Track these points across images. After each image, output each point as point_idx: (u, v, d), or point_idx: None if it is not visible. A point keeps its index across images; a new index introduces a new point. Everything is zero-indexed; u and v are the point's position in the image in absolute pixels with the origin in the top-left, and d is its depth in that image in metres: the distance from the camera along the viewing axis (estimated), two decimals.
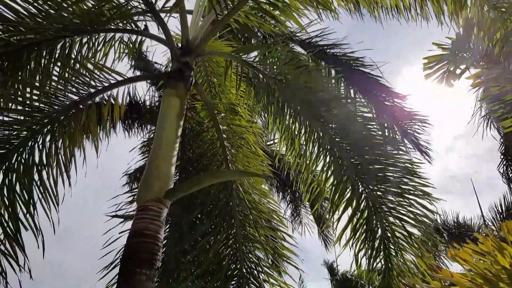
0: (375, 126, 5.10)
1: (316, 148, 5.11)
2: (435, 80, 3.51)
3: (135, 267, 3.01)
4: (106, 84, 4.25)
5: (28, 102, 4.13)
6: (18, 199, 3.80)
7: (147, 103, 10.31)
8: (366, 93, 6.74)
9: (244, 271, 4.83)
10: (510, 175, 9.64)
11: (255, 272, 4.84)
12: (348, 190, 5.24)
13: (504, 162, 9.61)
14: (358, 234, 5.17)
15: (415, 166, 4.83)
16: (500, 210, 11.34)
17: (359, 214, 5.16)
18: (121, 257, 3.24)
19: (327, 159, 5.19)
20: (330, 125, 4.95)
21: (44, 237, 3.79)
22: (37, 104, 4.09)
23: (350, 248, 5.16)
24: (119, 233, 4.64)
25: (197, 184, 3.59)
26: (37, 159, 3.99)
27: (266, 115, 5.22)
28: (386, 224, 4.99)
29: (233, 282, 4.77)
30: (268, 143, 6.87)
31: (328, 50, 6.73)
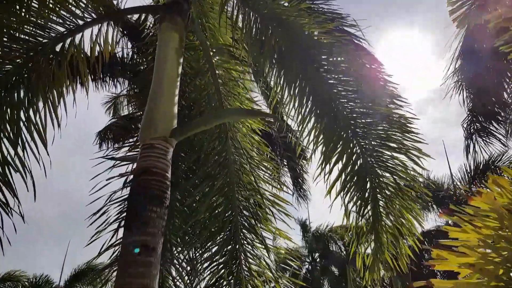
0: (369, 79, 5.08)
1: (311, 99, 5.05)
2: (456, 18, 3.47)
3: (145, 204, 2.89)
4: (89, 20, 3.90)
5: None
6: (5, 139, 3.51)
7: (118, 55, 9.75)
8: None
9: (239, 218, 4.83)
10: (471, 131, 10.06)
11: (251, 219, 4.86)
12: (340, 142, 5.31)
13: (470, 118, 10.01)
14: (348, 185, 5.30)
15: (407, 122, 4.91)
16: (469, 170, 12.05)
17: (350, 166, 5.27)
18: (128, 196, 3.09)
19: (322, 111, 5.18)
20: (329, 75, 4.88)
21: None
22: None
23: (342, 199, 5.29)
24: (106, 179, 4.47)
25: (204, 123, 3.43)
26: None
27: (262, 61, 5.04)
28: (376, 176, 5.12)
29: (228, 228, 4.78)
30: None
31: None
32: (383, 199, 5.16)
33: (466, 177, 12.66)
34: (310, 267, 16.27)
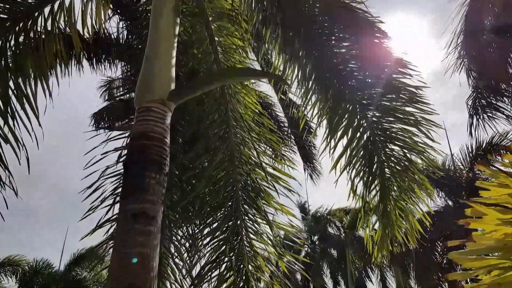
0: (377, 49, 4.84)
1: (316, 70, 4.81)
2: None
3: (143, 170, 2.67)
4: None
5: None
6: None
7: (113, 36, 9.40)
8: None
9: (241, 193, 4.64)
10: (476, 108, 9.87)
11: (253, 195, 4.67)
12: (346, 115, 5.09)
13: (474, 94, 9.81)
14: (355, 160, 5.10)
15: (418, 92, 4.68)
16: (470, 150, 11.89)
17: (356, 140, 5.06)
18: (124, 162, 2.87)
19: (328, 82, 4.95)
20: (335, 43, 4.63)
21: None
22: None
23: (349, 174, 5.09)
24: (101, 154, 4.24)
25: (204, 84, 3.18)
26: None
27: (264, 31, 4.78)
28: (384, 149, 4.92)
29: (229, 204, 4.59)
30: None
31: None
32: (392, 173, 4.98)
33: (468, 157, 12.51)
34: (309, 249, 16.25)
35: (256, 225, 4.46)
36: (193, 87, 3.16)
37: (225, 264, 4.17)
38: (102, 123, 12.90)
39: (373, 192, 5.07)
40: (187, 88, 3.15)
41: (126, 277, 2.31)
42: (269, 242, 4.42)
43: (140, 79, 3.06)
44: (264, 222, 4.43)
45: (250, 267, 4.10)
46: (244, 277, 4.06)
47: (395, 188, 4.99)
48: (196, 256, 4.32)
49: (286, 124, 8.30)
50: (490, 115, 9.66)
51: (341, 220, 18.09)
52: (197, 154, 4.74)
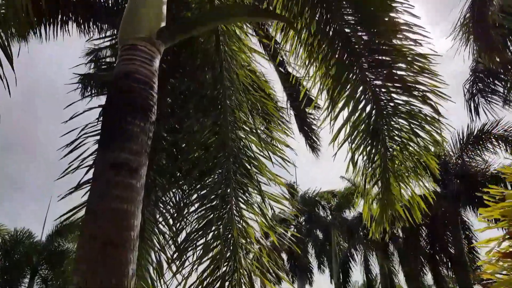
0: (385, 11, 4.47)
1: (320, 31, 4.44)
2: None
3: (126, 116, 2.30)
4: None
5: None
6: None
7: None
8: None
9: (232, 160, 4.30)
10: (474, 92, 9.69)
11: (246, 163, 4.34)
12: (350, 83, 4.76)
13: (472, 78, 9.61)
14: (357, 131, 4.80)
15: (427, 61, 4.36)
16: (461, 137, 11.78)
17: (359, 111, 4.76)
18: (104, 105, 2.49)
19: (332, 46, 4.60)
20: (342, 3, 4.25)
21: None
22: None
23: (350, 145, 4.80)
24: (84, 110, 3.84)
25: (200, 23, 2.78)
26: None
27: None
28: (388, 120, 4.63)
29: (219, 171, 4.26)
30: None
31: None
32: (395, 147, 4.70)
33: (458, 144, 12.39)
34: (295, 230, 16.18)
35: (247, 195, 4.16)
36: (185, 26, 2.76)
37: (212, 233, 3.87)
38: (90, 90, 12.33)
39: (373, 166, 4.81)
40: (178, 27, 2.75)
41: (102, 234, 1.97)
42: (260, 213, 4.13)
43: (125, 14, 2.65)
44: (256, 191, 4.13)
45: (238, 237, 3.81)
46: (231, 247, 3.78)
47: (397, 162, 4.74)
48: (182, 223, 4.01)
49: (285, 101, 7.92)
50: (488, 99, 9.49)
51: (328, 202, 18.06)
52: (187, 116, 4.37)
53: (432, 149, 4.54)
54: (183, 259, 3.69)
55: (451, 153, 12.71)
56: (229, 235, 3.82)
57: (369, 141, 4.73)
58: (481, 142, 11.87)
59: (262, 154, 4.38)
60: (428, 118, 4.37)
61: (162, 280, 3.80)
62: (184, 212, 4.04)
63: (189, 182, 4.18)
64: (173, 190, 4.22)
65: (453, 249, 12.20)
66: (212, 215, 3.93)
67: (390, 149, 4.72)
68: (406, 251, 14.95)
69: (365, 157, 4.74)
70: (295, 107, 7.14)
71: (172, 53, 4.36)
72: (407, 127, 4.50)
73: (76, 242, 12.52)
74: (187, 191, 4.19)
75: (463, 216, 13.10)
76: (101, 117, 2.30)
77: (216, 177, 4.22)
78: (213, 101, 4.39)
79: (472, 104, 9.44)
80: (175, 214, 4.09)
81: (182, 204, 4.12)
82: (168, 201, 4.21)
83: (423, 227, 13.47)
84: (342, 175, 17.93)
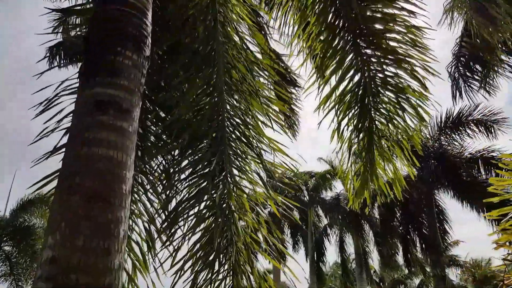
0: None
1: None
2: None
3: (113, 45, 1.82)
4: None
5: None
6: None
7: None
8: None
9: (227, 123, 3.87)
10: (456, 76, 9.61)
11: (242, 127, 3.92)
12: (341, 50, 4.46)
13: (455, 63, 9.49)
14: (344, 100, 4.55)
15: (420, 34, 4.11)
16: (440, 120, 11.83)
17: (347, 80, 4.49)
18: (86, 32, 1.99)
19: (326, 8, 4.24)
20: None
21: None
22: None
23: (336, 116, 4.58)
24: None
25: None
26: None
27: None
28: (376, 93, 4.38)
29: (214, 134, 3.82)
30: None
31: None
32: (381, 120, 4.49)
33: (436, 127, 12.41)
34: (272, 210, 16.05)
35: (245, 161, 3.75)
36: None
37: (205, 202, 3.47)
38: (58, 60, 11.47)
39: (358, 138, 4.61)
40: None
41: (85, 187, 1.53)
42: (259, 182, 3.75)
43: None
44: (255, 158, 3.73)
45: (234, 207, 3.43)
46: (227, 218, 3.40)
47: (382, 136, 4.54)
48: (172, 191, 3.57)
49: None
50: (469, 84, 9.43)
51: (306, 182, 18.01)
52: (176, 73, 3.88)
53: (417, 125, 4.38)
54: (173, 230, 3.29)
55: (428, 136, 12.76)
56: (224, 205, 3.42)
57: (356, 112, 4.51)
58: (459, 127, 11.96)
59: (261, 119, 3.98)
60: (416, 93, 4.18)
61: (152, 252, 3.39)
62: (174, 180, 3.59)
63: (178, 147, 3.73)
64: (161, 155, 3.76)
65: (426, 231, 12.38)
66: (205, 183, 3.51)
67: (376, 121, 4.51)
68: (381, 232, 15.17)
69: (350, 128, 4.52)
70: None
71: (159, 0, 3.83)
72: (394, 100, 4.31)
73: (44, 220, 11.80)
74: (177, 157, 3.75)
75: (437, 198, 13.29)
76: (84, 52, 1.81)
77: (210, 141, 3.78)
78: (206, 58, 3.91)
79: (454, 88, 9.36)
80: (164, 182, 3.65)
81: (171, 171, 3.67)
82: (155, 168, 3.76)
83: (398, 209, 13.63)
84: (320, 157, 17.96)
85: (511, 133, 11.08)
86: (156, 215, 3.55)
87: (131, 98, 1.81)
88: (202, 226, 3.40)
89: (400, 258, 15.21)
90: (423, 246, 12.56)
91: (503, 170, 3.39)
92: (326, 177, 17.54)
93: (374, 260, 18.61)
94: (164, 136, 4.01)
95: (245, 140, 3.87)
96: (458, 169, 11.91)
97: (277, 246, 3.41)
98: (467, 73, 9.75)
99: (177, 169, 3.69)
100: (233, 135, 3.88)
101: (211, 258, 3.15)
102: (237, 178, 3.71)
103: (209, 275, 3.14)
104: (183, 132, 3.73)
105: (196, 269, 3.12)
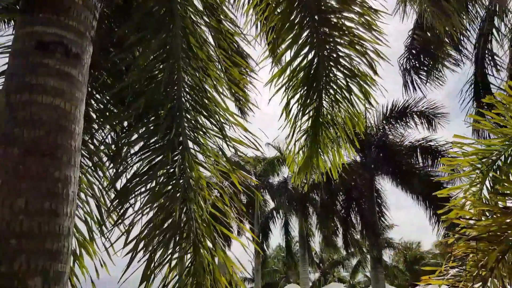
0: None
1: None
2: None
3: None
4: None
5: None
6: None
7: None
8: None
9: (185, 94, 3.61)
10: (408, 67, 10.03)
11: (201, 97, 3.68)
12: (297, 25, 4.39)
13: (406, 54, 9.88)
14: (295, 78, 4.53)
15: (374, 17, 4.16)
16: (385, 110, 12.36)
17: (302, 56, 4.45)
18: None
19: None
20: None
21: None
22: None
23: (287, 94, 4.55)
24: None
25: None
26: None
27: None
28: (327, 73, 4.40)
29: (171, 104, 3.53)
30: None
31: None
32: (330, 101, 4.55)
33: (382, 116, 12.92)
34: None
35: (204, 134, 3.52)
36: None
37: (161, 177, 3.20)
38: None
39: (307, 116, 4.64)
40: None
41: (24, 138, 1.24)
42: (219, 155, 3.55)
43: None
44: (214, 131, 3.51)
45: (195, 182, 3.21)
46: (186, 192, 3.17)
47: (329, 116, 4.62)
48: (122, 166, 3.25)
49: None
50: (419, 76, 9.87)
51: (254, 167, 18.08)
52: (127, 36, 3.52)
53: (363, 109, 4.51)
54: (125, 207, 3.00)
55: (373, 124, 13.28)
56: (181, 180, 3.19)
57: (305, 92, 4.50)
58: (404, 117, 12.58)
59: (221, 92, 3.75)
60: (368, 78, 4.28)
61: (102, 231, 3.07)
62: (125, 154, 3.27)
63: (129, 117, 3.39)
64: (113, 122, 3.41)
65: (366, 215, 12.99)
66: (161, 157, 3.23)
67: (325, 101, 4.58)
68: (324, 215, 15.72)
69: (299, 106, 4.55)
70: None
71: None
72: (344, 82, 4.36)
73: None
74: (128, 128, 3.41)
75: (377, 184, 13.95)
76: None
77: (166, 112, 3.48)
78: (162, 20, 3.59)
79: (405, 79, 9.75)
80: (113, 155, 3.31)
81: (120, 144, 3.34)
82: (103, 140, 3.39)
83: (341, 193, 14.19)
84: (269, 142, 18.09)
85: (449, 126, 11.90)
86: (104, 192, 3.22)
87: (81, 42, 1.52)
88: (156, 204, 3.14)
89: (340, 241, 15.90)
90: (363, 229, 13.20)
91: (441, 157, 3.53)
92: (274, 163, 17.76)
93: (316, 243, 19.38)
94: (111, 107, 3.64)
95: (205, 113, 3.64)
96: (398, 157, 12.58)
97: (236, 219, 3.26)
98: (417, 65, 10.19)
99: (127, 141, 3.36)
100: (190, 106, 3.63)
101: (168, 235, 2.92)
102: (197, 153, 3.49)
103: (167, 254, 2.92)
104: (135, 102, 3.40)
105: (151, 248, 2.88)
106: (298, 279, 20.30)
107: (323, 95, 4.56)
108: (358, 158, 13.32)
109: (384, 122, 12.86)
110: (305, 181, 5.69)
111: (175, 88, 3.58)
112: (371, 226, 12.36)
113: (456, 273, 2.99)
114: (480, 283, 2.65)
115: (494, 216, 2.40)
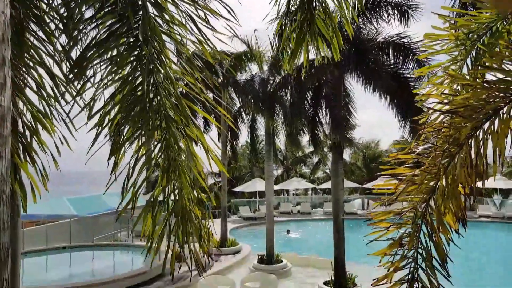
0: None
1: None
2: None
3: None
4: None
5: None
6: None
7: None
8: None
9: None
10: None
11: None
12: None
13: None
14: None
15: None
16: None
17: None
18: None
19: None
20: None
21: None
22: None
23: None
24: None
25: None
26: None
27: None
28: None
29: None
30: None
31: None
32: None
33: (356, 10, 12.23)
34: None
35: None
36: None
37: (123, 46, 2.81)
38: None
39: None
40: None
41: None
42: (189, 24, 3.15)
43: None
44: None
45: (161, 51, 2.86)
46: (151, 63, 2.84)
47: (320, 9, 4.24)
48: (75, 35, 2.81)
49: None
50: None
51: (221, 62, 17.40)
52: None
53: None
54: (84, 79, 2.67)
55: (347, 18, 12.63)
56: (144, 52, 2.82)
57: None
58: (377, 8, 11.97)
59: None
60: None
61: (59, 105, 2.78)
62: (76, 20, 2.79)
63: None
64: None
65: (334, 113, 13.11)
66: (120, 24, 2.80)
67: None
68: (291, 113, 15.90)
69: None
70: None
71: None
72: None
73: None
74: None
75: (346, 82, 13.86)
76: None
77: None
78: None
79: None
80: (60, 25, 2.83)
81: (73, 6, 2.83)
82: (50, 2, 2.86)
83: (310, 92, 14.14)
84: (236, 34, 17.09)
85: (423, 20, 11.47)
86: (54, 64, 2.83)
87: None
88: (119, 75, 2.83)
89: (303, 139, 16.41)
90: (330, 126, 13.46)
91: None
92: (242, 58, 17.11)
93: (281, 141, 20.07)
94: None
95: None
96: (369, 53, 12.29)
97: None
98: None
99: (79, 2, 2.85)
100: None
101: (137, 109, 2.69)
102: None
103: (136, 129, 2.73)
104: None
105: (116, 121, 2.67)
106: (262, 174, 21.39)
107: None
108: (329, 53, 12.98)
109: (358, 14, 12.27)
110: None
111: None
112: (337, 124, 12.55)
113: (422, 150, 3.07)
114: (447, 159, 2.73)
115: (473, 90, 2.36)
